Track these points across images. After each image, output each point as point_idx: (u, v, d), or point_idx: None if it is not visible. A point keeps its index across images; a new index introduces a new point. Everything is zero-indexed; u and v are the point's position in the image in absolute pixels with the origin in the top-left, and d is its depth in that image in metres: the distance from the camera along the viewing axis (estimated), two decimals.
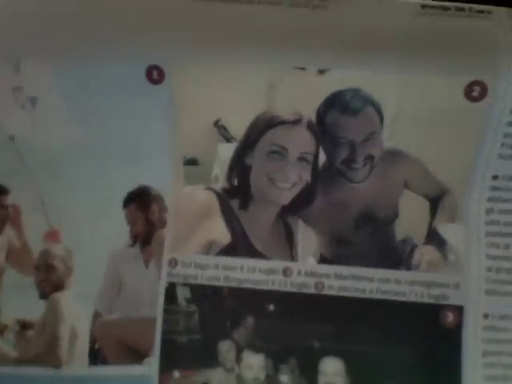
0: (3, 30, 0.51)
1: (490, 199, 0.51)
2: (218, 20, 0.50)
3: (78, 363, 0.53)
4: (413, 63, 0.49)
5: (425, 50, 0.49)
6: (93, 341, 0.54)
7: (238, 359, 0.52)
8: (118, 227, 0.54)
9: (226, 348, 0.52)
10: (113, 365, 0.53)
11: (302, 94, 0.51)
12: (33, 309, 0.54)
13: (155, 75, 0.51)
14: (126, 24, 0.51)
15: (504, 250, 0.51)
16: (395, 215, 0.54)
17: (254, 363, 0.52)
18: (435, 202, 0.53)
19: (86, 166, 0.54)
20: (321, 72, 0.50)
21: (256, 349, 0.52)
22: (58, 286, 0.54)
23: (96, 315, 0.54)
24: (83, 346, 0.54)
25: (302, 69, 0.50)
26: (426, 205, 0.54)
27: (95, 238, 0.54)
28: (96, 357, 0.54)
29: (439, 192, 0.53)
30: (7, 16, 0.50)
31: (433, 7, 0.50)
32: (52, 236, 0.55)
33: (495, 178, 0.51)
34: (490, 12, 0.50)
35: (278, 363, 0.52)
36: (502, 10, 0.50)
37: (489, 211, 0.51)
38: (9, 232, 0.55)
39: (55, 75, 0.52)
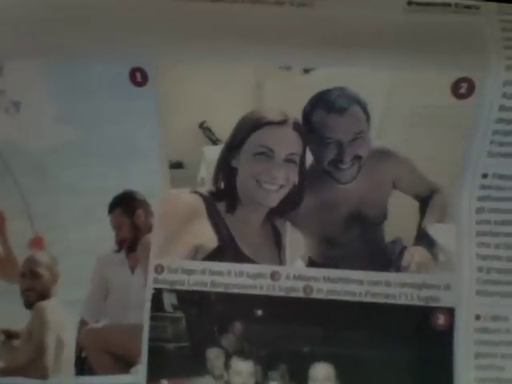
0: None
1: (480, 198, 0.50)
2: (202, 20, 0.49)
3: (64, 373, 0.52)
4: (399, 60, 0.48)
5: (411, 46, 0.48)
6: (79, 350, 0.53)
7: (227, 366, 0.51)
8: (103, 232, 0.53)
9: (214, 355, 0.51)
10: (100, 374, 0.52)
11: (287, 94, 0.50)
12: (18, 317, 0.53)
13: (139, 77, 0.50)
14: (109, 26, 0.50)
15: (495, 249, 0.50)
16: (384, 216, 0.53)
17: (243, 370, 0.51)
18: (425, 202, 0.52)
19: (71, 170, 0.53)
20: (306, 71, 0.49)
21: (245, 355, 0.51)
22: (44, 294, 0.53)
23: (82, 323, 0.53)
24: (70, 355, 0.53)
25: (288, 68, 0.49)
26: (415, 205, 0.53)
27: (81, 244, 0.53)
28: (83, 366, 0.53)
29: (429, 191, 0.52)
30: None
31: (419, 3, 0.49)
32: (37, 243, 0.54)
33: (485, 176, 0.50)
34: (477, 7, 0.50)
35: (268, 369, 0.51)
36: (490, 5, 0.50)
37: (479, 210, 0.50)
38: None
39: (38, 78, 0.51)
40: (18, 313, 0.53)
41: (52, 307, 0.53)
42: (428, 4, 0.50)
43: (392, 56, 0.48)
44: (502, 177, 0.50)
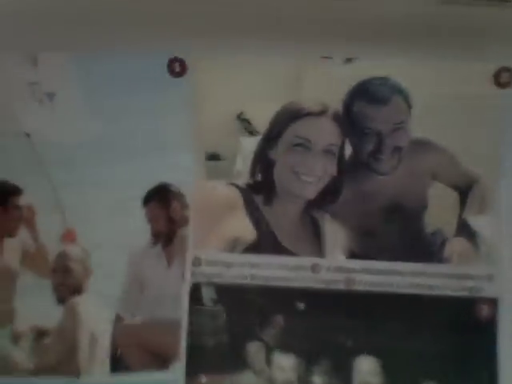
0: (20, 25, 0.49)
1: None
2: (241, 11, 0.49)
3: (98, 371, 0.51)
4: (440, 51, 0.49)
5: (451, 37, 0.49)
6: (114, 347, 0.51)
7: (268, 361, 0.50)
8: (137, 226, 0.52)
9: (254, 349, 0.50)
10: (136, 371, 0.51)
11: (328, 85, 0.50)
12: (50, 314, 0.51)
13: (177, 68, 0.50)
14: (146, 17, 0.50)
15: None
16: (424, 207, 0.53)
17: (285, 364, 0.49)
18: (464, 193, 0.52)
19: (104, 162, 0.52)
20: (348, 61, 0.49)
21: (286, 349, 0.50)
22: (76, 290, 0.52)
23: (117, 319, 0.51)
24: (104, 352, 0.51)
25: (329, 58, 0.49)
26: (455, 196, 0.52)
27: (113, 238, 0.52)
28: (117, 363, 0.51)
29: (468, 183, 0.52)
30: (24, 11, 0.49)
31: None
32: (68, 236, 0.52)
33: None
34: (509, 1, 0.50)
35: (310, 363, 0.49)
36: None
37: None
38: (23, 234, 0.53)
39: (73, 70, 0.51)
40: (49, 309, 0.51)
41: (85, 303, 0.52)
42: None
43: (432, 47, 0.49)
44: None
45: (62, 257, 0.52)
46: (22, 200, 0.52)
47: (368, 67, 0.49)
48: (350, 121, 0.51)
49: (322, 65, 0.49)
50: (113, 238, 0.52)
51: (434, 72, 0.49)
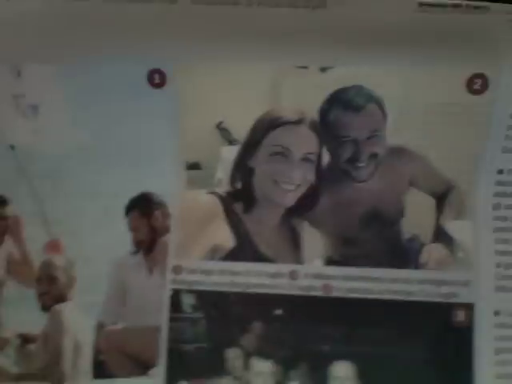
0: (3, 36, 0.51)
1: (496, 194, 0.51)
2: (219, 22, 0.50)
3: (82, 377, 0.52)
4: (414, 58, 0.49)
5: (425, 44, 0.49)
6: (97, 353, 0.52)
7: (247, 367, 0.50)
8: (120, 235, 0.53)
9: (233, 355, 0.51)
10: (118, 377, 0.52)
11: (304, 93, 0.51)
12: (34, 322, 0.53)
13: (157, 79, 0.51)
14: (126, 28, 0.51)
15: None
16: (401, 214, 0.53)
17: (263, 370, 0.50)
18: (441, 199, 0.53)
19: (88, 173, 0.53)
20: (323, 70, 0.50)
21: (264, 355, 0.50)
22: (60, 298, 0.53)
23: (100, 326, 0.52)
24: (87, 358, 0.52)
25: (304, 67, 0.50)
26: (432, 202, 0.53)
27: (97, 247, 0.53)
28: (100, 369, 0.52)
29: (445, 189, 0.52)
30: (7, 22, 0.50)
31: (430, 5, 0.51)
32: (53, 247, 0.53)
33: (500, 172, 0.50)
34: (487, 8, 0.51)
35: (288, 369, 0.50)
36: (499, 6, 0.51)
37: (496, 206, 0.51)
38: (9, 243, 0.54)
39: (55, 82, 0.52)
40: (34, 317, 0.53)
41: (69, 311, 0.53)
42: (438, 5, 0.51)
43: (406, 54, 0.49)
44: None
45: (47, 266, 0.53)
46: (9, 211, 0.53)
47: (343, 76, 0.50)
48: (326, 129, 0.51)
49: (298, 74, 0.50)
50: (96, 248, 0.53)
51: (409, 79, 0.50)
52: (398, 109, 0.50)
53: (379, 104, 0.50)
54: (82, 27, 0.51)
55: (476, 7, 0.51)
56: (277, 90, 0.51)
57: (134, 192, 0.53)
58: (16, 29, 0.50)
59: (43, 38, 0.51)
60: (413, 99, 0.50)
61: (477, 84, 0.48)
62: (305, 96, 0.51)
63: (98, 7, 0.51)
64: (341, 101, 0.50)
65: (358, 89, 0.50)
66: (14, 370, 0.52)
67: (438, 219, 0.52)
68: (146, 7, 0.51)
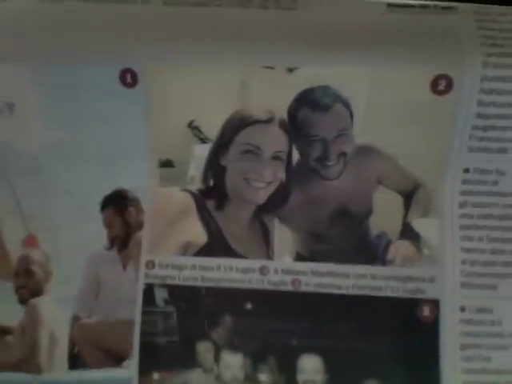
0: None
1: (462, 192, 0.52)
2: (189, 23, 0.51)
3: (57, 368, 0.53)
4: (380, 59, 0.50)
5: (391, 45, 0.50)
6: (72, 345, 0.54)
7: (217, 359, 0.52)
8: (95, 230, 0.55)
9: (204, 348, 0.52)
10: (92, 369, 0.53)
11: (272, 93, 0.52)
12: (12, 314, 0.54)
13: (129, 79, 0.52)
14: (100, 28, 0.51)
15: (478, 242, 0.51)
16: (370, 211, 0.54)
17: (233, 363, 0.52)
18: (408, 197, 0.54)
19: (63, 170, 0.54)
20: (290, 70, 0.51)
21: (234, 348, 0.52)
22: (37, 292, 0.55)
23: (75, 319, 0.54)
24: (62, 350, 0.54)
25: (271, 68, 0.51)
26: (399, 200, 0.54)
27: (73, 242, 0.54)
28: (75, 361, 0.53)
29: (412, 187, 0.53)
30: None
31: (398, 5, 0.51)
32: (30, 241, 0.55)
33: (466, 171, 0.51)
34: (455, 9, 0.51)
35: (257, 362, 0.52)
36: (467, 6, 0.51)
37: (462, 204, 0.52)
38: None
39: (30, 81, 0.53)
40: (11, 309, 0.54)
41: (45, 304, 0.54)
42: (407, 6, 0.51)
43: (372, 54, 0.50)
44: (482, 171, 0.51)
45: (24, 260, 0.55)
46: None
47: (310, 76, 0.51)
48: (296, 128, 0.52)
49: (265, 74, 0.51)
50: (72, 243, 0.54)
51: (375, 80, 0.50)
52: (365, 108, 0.51)
53: (346, 104, 0.51)
54: (56, 27, 0.52)
55: (444, 8, 0.51)
56: (245, 89, 0.52)
57: (108, 189, 0.54)
58: None
59: (18, 37, 0.52)
60: (379, 99, 0.51)
61: (441, 85, 0.49)
62: (273, 96, 0.52)
63: (72, 8, 0.52)
64: (308, 101, 0.51)
65: (325, 89, 0.51)
66: None
67: (405, 217, 0.53)
68: (120, 8, 0.52)
